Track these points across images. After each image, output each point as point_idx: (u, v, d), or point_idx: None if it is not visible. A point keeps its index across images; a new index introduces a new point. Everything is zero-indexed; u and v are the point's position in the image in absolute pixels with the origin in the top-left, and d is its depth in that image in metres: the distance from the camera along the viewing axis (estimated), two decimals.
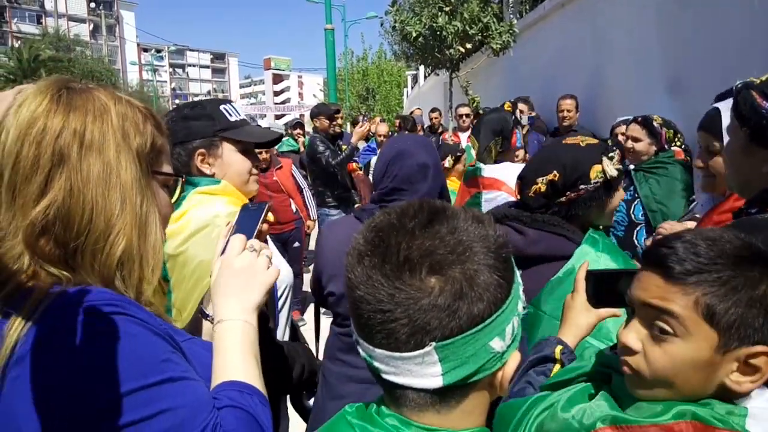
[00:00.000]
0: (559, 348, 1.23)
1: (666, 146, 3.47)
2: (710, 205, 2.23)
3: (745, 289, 0.81)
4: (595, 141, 1.76)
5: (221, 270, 1.01)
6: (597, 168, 1.65)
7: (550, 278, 1.58)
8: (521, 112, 6.14)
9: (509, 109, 5.14)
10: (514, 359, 0.74)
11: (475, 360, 0.69)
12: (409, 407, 0.73)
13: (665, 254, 0.85)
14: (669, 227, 2.82)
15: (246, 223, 1.14)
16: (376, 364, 0.72)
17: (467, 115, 7.18)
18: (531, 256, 1.62)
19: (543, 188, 1.68)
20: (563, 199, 1.66)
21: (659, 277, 0.85)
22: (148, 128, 0.92)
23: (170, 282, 1.49)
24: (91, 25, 60.54)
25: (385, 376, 0.71)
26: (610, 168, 1.64)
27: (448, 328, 0.67)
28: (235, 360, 0.91)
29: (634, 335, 0.87)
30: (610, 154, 1.68)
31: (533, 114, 6.41)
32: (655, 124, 3.43)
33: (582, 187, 1.64)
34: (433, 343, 0.67)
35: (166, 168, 0.96)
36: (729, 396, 0.84)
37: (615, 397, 0.92)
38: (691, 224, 2.87)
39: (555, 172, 1.66)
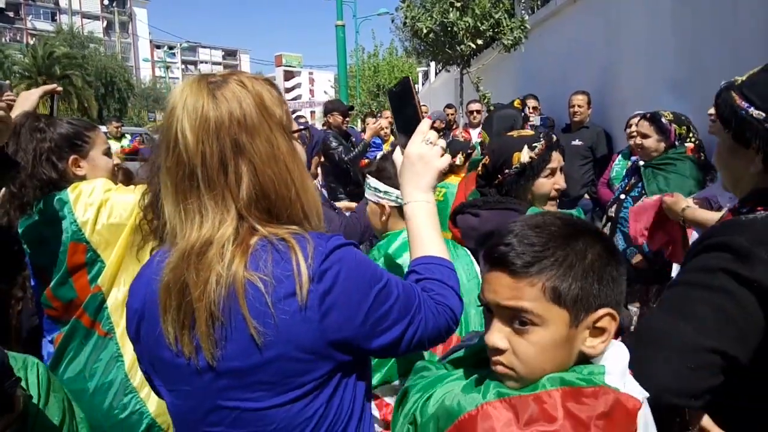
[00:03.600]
0: None
1: (676, 143, 3.43)
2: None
3: (578, 263, 0.91)
4: (530, 133, 2.00)
5: (404, 160, 1.26)
6: (518, 155, 1.89)
7: None
8: (533, 109, 6.14)
9: (518, 106, 5.15)
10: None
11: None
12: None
13: (505, 252, 0.93)
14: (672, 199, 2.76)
15: (401, 107, 1.30)
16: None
17: (478, 111, 7.16)
18: (487, 232, 1.85)
19: (480, 171, 2.01)
20: (496, 181, 1.95)
21: (506, 276, 0.93)
22: (276, 96, 1.04)
23: None
24: (105, 22, 60.94)
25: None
26: (525, 156, 1.87)
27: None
28: (423, 236, 1.20)
29: (499, 335, 0.95)
30: (534, 144, 1.89)
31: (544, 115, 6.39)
32: (663, 120, 3.40)
33: (506, 171, 1.91)
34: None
35: (295, 125, 1.09)
36: (588, 359, 0.95)
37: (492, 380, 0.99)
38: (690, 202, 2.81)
39: (486, 156, 1.98)
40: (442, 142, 1.25)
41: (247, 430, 0.99)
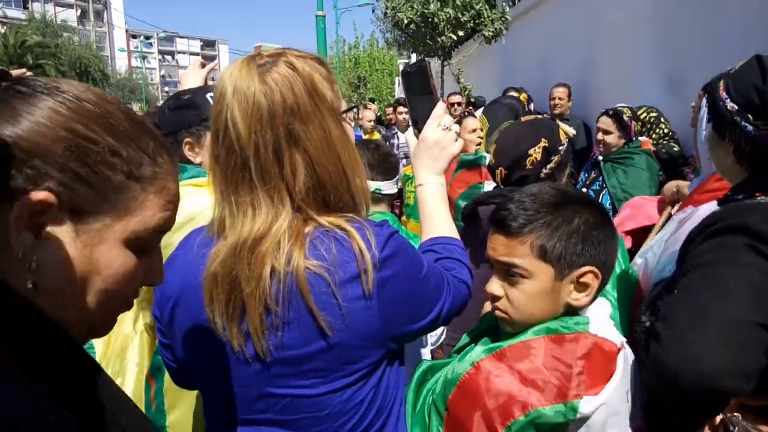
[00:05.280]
0: None
1: (634, 138, 3.58)
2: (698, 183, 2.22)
3: (563, 225, 1.06)
4: (542, 117, 2.01)
5: (419, 143, 1.28)
6: (560, 131, 1.89)
7: None
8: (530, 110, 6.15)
9: (524, 100, 5.13)
10: None
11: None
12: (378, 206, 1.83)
13: (503, 216, 1.10)
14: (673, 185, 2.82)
15: (417, 88, 1.31)
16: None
17: (459, 104, 7.14)
18: None
19: (539, 156, 1.84)
20: (552, 164, 1.84)
21: (502, 236, 1.10)
22: (326, 75, 1.01)
23: None
24: (79, 11, 59.64)
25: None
26: (567, 129, 1.91)
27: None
28: (437, 217, 1.24)
29: (496, 284, 1.13)
30: (557, 121, 1.92)
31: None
32: (625, 117, 3.54)
33: (560, 148, 1.86)
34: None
35: (343, 105, 1.07)
36: (576, 311, 1.11)
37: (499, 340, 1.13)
38: (685, 184, 2.87)
39: (543, 139, 1.83)
40: (457, 127, 1.27)
41: (298, 416, 1.00)
